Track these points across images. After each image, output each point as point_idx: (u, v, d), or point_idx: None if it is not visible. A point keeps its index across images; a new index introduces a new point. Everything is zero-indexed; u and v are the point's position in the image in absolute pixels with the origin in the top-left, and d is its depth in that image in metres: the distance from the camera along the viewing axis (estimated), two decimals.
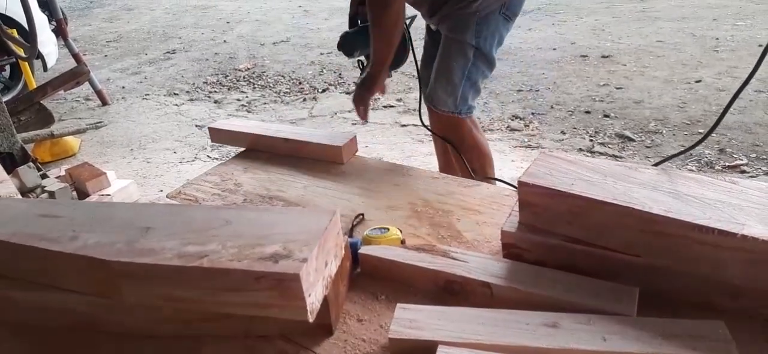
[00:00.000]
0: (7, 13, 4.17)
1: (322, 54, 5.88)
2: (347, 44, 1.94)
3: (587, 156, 3.11)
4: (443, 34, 1.91)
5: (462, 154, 1.95)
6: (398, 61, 2.00)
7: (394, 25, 1.72)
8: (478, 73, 1.91)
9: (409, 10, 1.96)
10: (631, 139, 3.33)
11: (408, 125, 3.88)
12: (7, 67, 4.71)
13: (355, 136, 1.76)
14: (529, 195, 1.05)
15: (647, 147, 3.24)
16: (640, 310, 0.93)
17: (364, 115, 1.92)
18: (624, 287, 0.96)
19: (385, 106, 4.27)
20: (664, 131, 3.41)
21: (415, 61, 2.03)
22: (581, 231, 1.02)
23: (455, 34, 1.86)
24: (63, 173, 2.91)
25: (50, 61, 4.82)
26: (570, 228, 1.02)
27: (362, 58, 2.01)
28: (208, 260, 0.88)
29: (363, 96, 1.87)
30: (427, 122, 2.07)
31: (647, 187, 1.00)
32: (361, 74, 1.99)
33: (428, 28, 2.15)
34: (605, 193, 0.99)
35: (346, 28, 2.02)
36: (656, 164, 1.12)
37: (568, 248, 1.03)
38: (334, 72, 5.27)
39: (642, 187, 1.01)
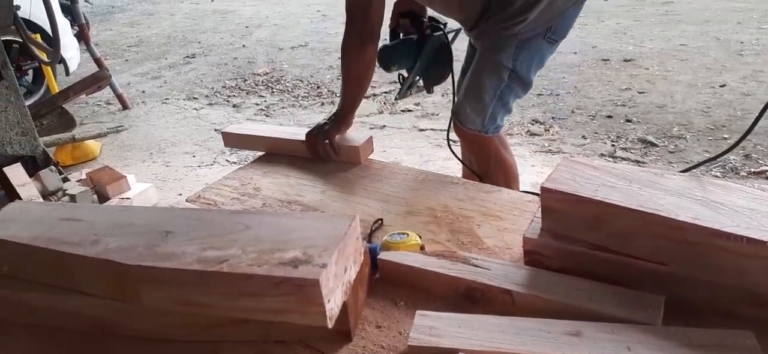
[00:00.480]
0: (30, 18, 4.24)
1: (340, 58, 5.89)
2: (385, 57, 1.88)
3: (609, 161, 3.07)
4: (479, 50, 1.83)
5: (487, 172, 1.89)
6: (440, 76, 1.96)
7: (365, 73, 1.74)
8: (511, 94, 1.81)
9: (453, 24, 1.92)
10: (653, 145, 3.28)
11: (426, 129, 3.86)
12: (30, 72, 4.79)
13: (372, 137, 1.76)
14: (552, 201, 1.03)
15: (670, 152, 3.19)
16: (665, 319, 0.91)
17: (327, 153, 1.76)
18: (649, 296, 0.94)
19: (403, 111, 4.26)
20: (688, 136, 3.35)
21: (453, 79, 1.96)
22: (605, 238, 1.00)
23: (491, 53, 1.76)
24: (84, 177, 2.95)
25: (72, 66, 4.89)
26: (594, 235, 1.00)
27: (403, 72, 1.94)
28: (228, 265, 0.87)
29: (329, 133, 1.75)
30: (447, 133, 2.00)
31: (674, 194, 0.98)
32: (399, 89, 1.96)
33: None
34: (630, 199, 0.97)
35: None
36: (684, 171, 1.09)
37: (591, 255, 1.01)
38: None
39: (668, 193, 0.98)
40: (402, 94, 1.99)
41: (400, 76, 1.96)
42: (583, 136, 3.51)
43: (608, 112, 3.82)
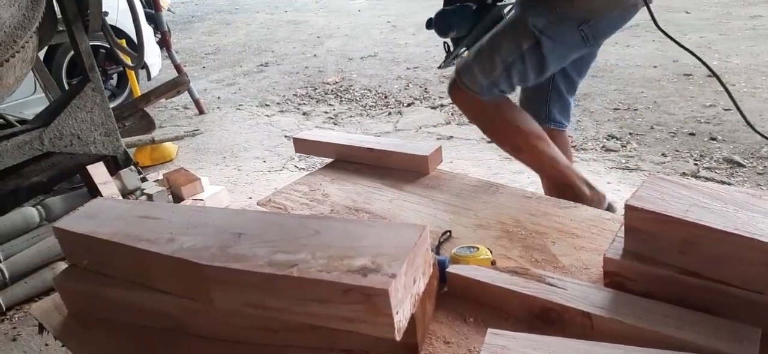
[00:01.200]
0: (117, 25, 4.47)
1: (408, 69, 5.89)
2: (445, 20, 1.76)
3: (692, 181, 2.90)
4: (513, 11, 1.70)
5: (496, 135, 1.81)
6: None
7: None
8: (524, 68, 1.65)
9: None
10: (740, 165, 3.08)
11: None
12: (115, 76, 5.05)
13: (440, 147, 1.73)
14: (637, 220, 0.96)
15: (759, 174, 2.98)
16: (762, 353, 0.82)
17: None
18: (744, 327, 0.86)
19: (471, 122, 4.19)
20: None
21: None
22: (696, 262, 0.92)
23: (523, 13, 1.62)
24: (161, 177, 3.07)
25: (154, 71, 5.13)
26: (683, 258, 0.93)
27: (448, 42, 1.84)
28: (297, 270, 0.87)
29: None
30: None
31: None
32: (446, 58, 1.85)
33: None
34: (725, 221, 0.89)
35: (432, 42, 1.91)
36: None
37: (679, 280, 0.94)
38: (420, 87, 5.25)
39: None
40: (447, 64, 1.91)
41: (446, 45, 1.86)
42: (663, 154, 3.33)
43: (691, 129, 3.62)
